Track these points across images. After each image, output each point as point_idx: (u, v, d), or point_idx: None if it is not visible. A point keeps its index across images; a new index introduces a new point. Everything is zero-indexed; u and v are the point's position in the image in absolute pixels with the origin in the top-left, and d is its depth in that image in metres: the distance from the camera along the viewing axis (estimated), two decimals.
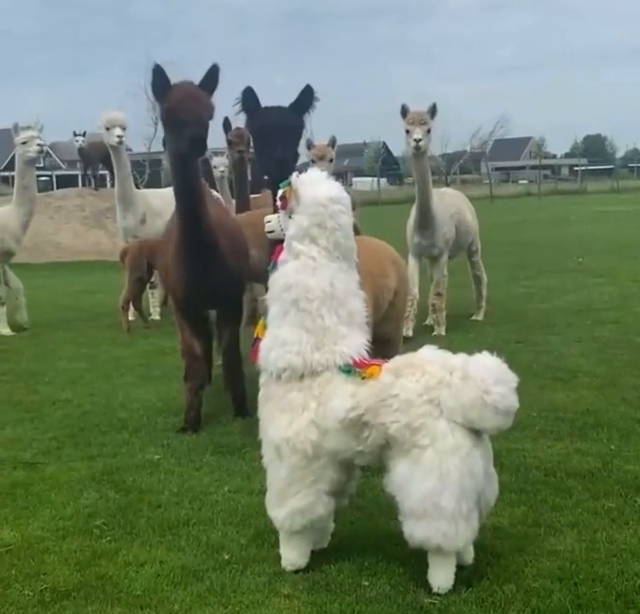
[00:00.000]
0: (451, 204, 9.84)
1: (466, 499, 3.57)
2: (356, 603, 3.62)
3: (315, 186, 3.85)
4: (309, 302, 3.76)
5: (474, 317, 10.51)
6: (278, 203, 3.94)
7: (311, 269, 3.79)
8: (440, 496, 3.53)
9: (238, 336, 6.40)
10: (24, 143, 9.47)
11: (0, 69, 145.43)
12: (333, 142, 7.64)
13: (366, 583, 3.77)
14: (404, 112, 8.62)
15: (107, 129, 9.98)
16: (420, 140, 8.47)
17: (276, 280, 3.88)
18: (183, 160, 5.55)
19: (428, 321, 9.90)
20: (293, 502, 3.79)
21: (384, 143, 79.95)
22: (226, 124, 8.86)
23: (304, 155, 7.73)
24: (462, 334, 9.39)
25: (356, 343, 3.84)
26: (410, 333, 9.15)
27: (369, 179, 64.45)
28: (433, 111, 8.65)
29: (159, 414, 6.44)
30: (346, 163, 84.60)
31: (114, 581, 3.85)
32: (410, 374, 3.67)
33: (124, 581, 3.84)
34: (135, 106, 54.61)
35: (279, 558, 3.93)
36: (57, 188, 46.65)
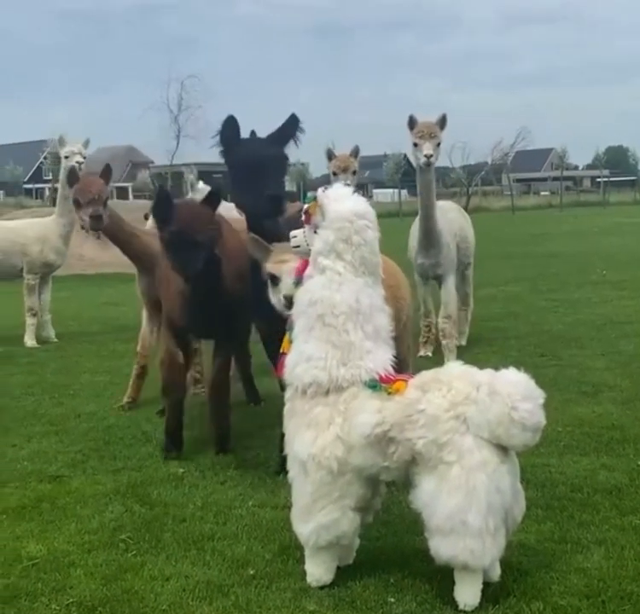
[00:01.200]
0: (454, 219, 9.14)
1: (493, 516, 3.54)
2: None
3: (340, 201, 3.85)
4: (334, 317, 3.76)
5: (457, 343, 9.05)
6: (303, 218, 3.95)
7: (337, 284, 3.79)
8: (467, 513, 3.51)
9: (229, 365, 6.14)
10: (66, 157, 9.60)
11: (25, 83, 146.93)
12: (356, 152, 7.42)
13: (392, 600, 3.75)
14: (412, 123, 7.93)
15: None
16: (431, 156, 7.81)
17: (302, 295, 3.88)
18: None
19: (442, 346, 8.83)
20: (319, 518, 3.78)
21: (405, 155, 79.96)
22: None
23: (325, 167, 7.70)
24: (484, 348, 9.36)
25: (381, 358, 3.84)
26: (430, 354, 9.02)
27: (390, 191, 64.51)
28: (442, 122, 7.97)
29: (182, 427, 6.44)
30: (366, 175, 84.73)
31: (140, 595, 3.85)
32: (436, 390, 3.66)
33: (150, 595, 3.85)
34: (158, 119, 55.00)
35: (304, 573, 3.92)
36: None
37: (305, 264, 3.94)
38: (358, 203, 3.89)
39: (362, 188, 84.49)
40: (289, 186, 45.86)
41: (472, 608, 3.63)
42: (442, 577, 3.78)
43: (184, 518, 4.69)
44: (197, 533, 4.49)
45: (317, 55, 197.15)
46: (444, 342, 8.57)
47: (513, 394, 3.56)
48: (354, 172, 7.30)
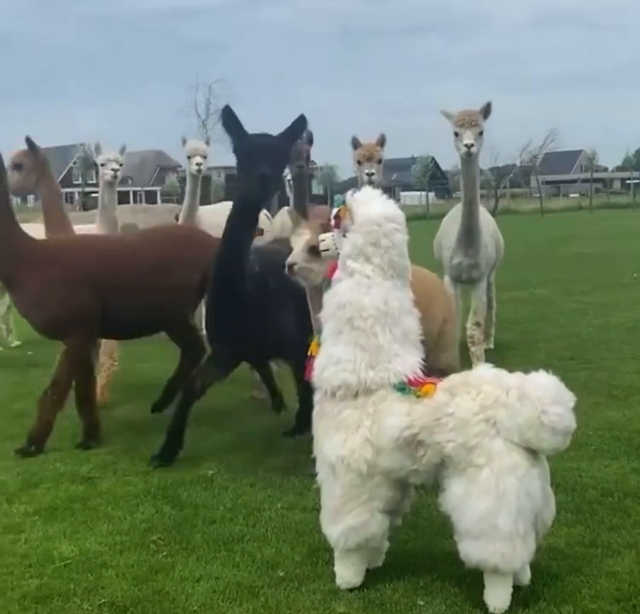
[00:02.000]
0: (489, 220, 8.69)
1: (523, 519, 3.54)
2: None
3: (369, 204, 3.87)
4: (363, 320, 3.78)
5: (485, 346, 8.79)
6: (332, 222, 3.97)
7: (366, 287, 3.81)
8: (497, 516, 3.51)
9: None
10: (103, 165, 9.66)
11: (55, 88, 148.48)
12: (382, 141, 7.24)
13: (421, 603, 3.76)
14: (449, 115, 7.46)
15: (189, 157, 9.93)
16: (471, 145, 7.32)
17: (331, 298, 3.90)
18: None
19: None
20: (348, 520, 3.80)
21: (433, 158, 79.85)
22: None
23: (352, 171, 7.60)
24: (513, 351, 9.33)
25: (410, 361, 3.85)
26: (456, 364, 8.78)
27: (417, 193, 64.38)
28: (486, 111, 7.43)
29: (213, 430, 6.49)
30: (394, 177, 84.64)
31: (171, 596, 3.89)
32: (465, 393, 3.66)
33: (180, 596, 3.88)
34: (186, 123, 55.31)
35: (334, 575, 3.94)
36: None
37: (335, 267, 3.96)
38: (387, 206, 3.91)
39: (389, 191, 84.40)
40: (317, 189, 45.89)
41: (502, 611, 3.63)
42: (471, 580, 3.78)
43: (214, 520, 4.73)
44: (227, 534, 4.53)
45: (342, 59, 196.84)
46: (472, 349, 8.17)
47: (543, 398, 3.55)
48: (379, 161, 7.08)
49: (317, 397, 3.95)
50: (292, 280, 4.43)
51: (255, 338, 5.50)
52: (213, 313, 5.53)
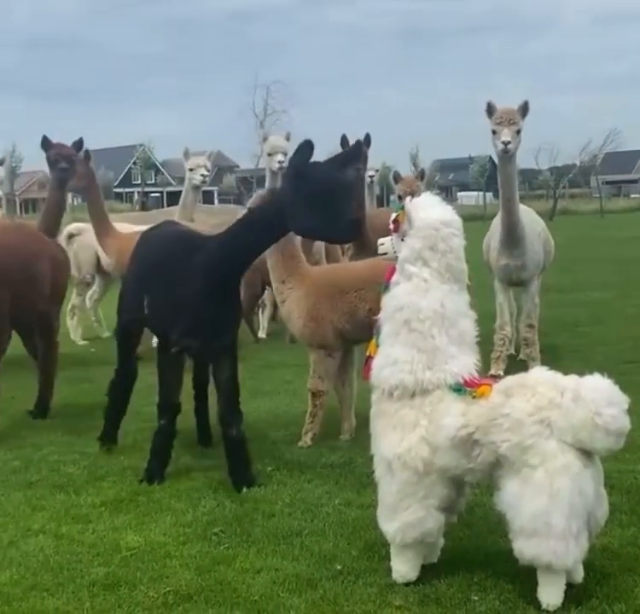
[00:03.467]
0: (536, 220, 8.64)
1: (576, 518, 3.62)
2: None
3: (427, 209, 3.98)
4: (420, 322, 3.89)
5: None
6: (391, 226, 4.09)
7: (423, 290, 3.92)
8: (551, 515, 3.59)
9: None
10: (191, 170, 9.98)
11: (115, 90, 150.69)
12: (422, 174, 7.44)
13: (476, 598, 3.85)
14: (491, 110, 7.48)
15: (270, 155, 9.99)
16: (508, 142, 7.38)
17: (389, 301, 4.02)
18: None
19: (521, 356, 8.66)
20: (404, 516, 3.91)
21: (490, 157, 79.28)
22: (343, 142, 9.01)
23: (409, 171, 7.75)
24: (570, 354, 9.32)
25: (466, 362, 3.95)
26: (502, 373, 8.11)
27: (475, 193, 63.97)
28: (524, 109, 7.49)
29: (270, 427, 6.66)
30: (451, 177, 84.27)
31: (233, 586, 4.04)
32: (520, 394, 3.75)
33: (242, 586, 4.03)
34: (244, 124, 55.73)
35: (389, 570, 4.05)
36: (168, 204, 47.97)
37: (393, 271, 4.07)
38: (445, 211, 4.01)
39: (446, 191, 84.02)
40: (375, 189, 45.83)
41: (555, 608, 3.70)
42: (525, 578, 3.85)
43: (273, 514, 4.87)
44: (286, 528, 4.67)
45: (404, 60, 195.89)
46: (527, 350, 8.26)
47: (597, 399, 3.62)
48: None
49: (374, 397, 4.07)
50: None
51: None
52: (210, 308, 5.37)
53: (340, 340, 6.22)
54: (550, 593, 3.72)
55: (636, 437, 5.71)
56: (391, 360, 3.96)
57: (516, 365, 8.23)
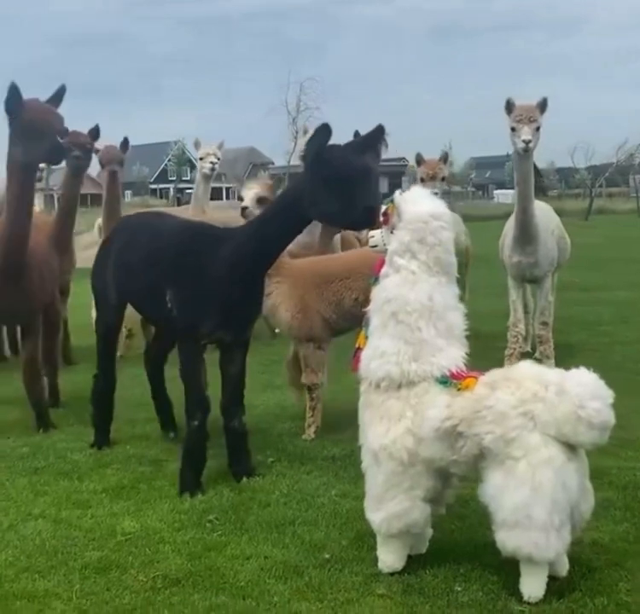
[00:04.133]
0: (551, 217, 8.59)
1: (558, 511, 3.63)
2: (447, 606, 3.75)
3: (417, 203, 4.01)
4: (407, 315, 3.92)
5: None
6: (381, 219, 4.12)
7: (411, 283, 3.95)
8: (532, 507, 3.61)
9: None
10: (201, 159, 9.98)
11: (151, 87, 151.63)
12: (445, 158, 7.29)
13: (459, 589, 3.89)
14: (510, 107, 7.34)
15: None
16: (529, 141, 7.28)
17: (378, 293, 4.06)
18: None
19: (537, 354, 8.41)
20: (390, 507, 3.95)
21: None
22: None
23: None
24: (588, 352, 9.24)
25: (453, 355, 3.97)
26: None
27: (511, 191, 63.43)
28: (542, 106, 7.35)
29: (276, 420, 6.72)
30: (487, 175, 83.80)
31: (221, 572, 4.11)
32: (505, 387, 3.77)
33: (230, 572, 4.10)
34: (277, 121, 55.83)
35: (376, 560, 4.10)
36: None
37: (382, 263, 4.11)
38: (435, 205, 4.04)
39: (483, 189, 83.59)
40: (406, 186, 45.79)
41: (536, 600, 3.73)
42: (510, 570, 3.88)
43: (269, 504, 4.94)
44: (280, 518, 4.73)
45: (439, 56, 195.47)
46: (541, 348, 8.22)
47: (581, 393, 3.64)
48: (443, 178, 7.13)
49: (362, 388, 4.11)
50: None
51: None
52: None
53: (328, 331, 6.28)
54: (532, 585, 3.74)
55: (637, 435, 5.77)
56: (378, 352, 4.00)
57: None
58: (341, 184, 4.69)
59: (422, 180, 7.21)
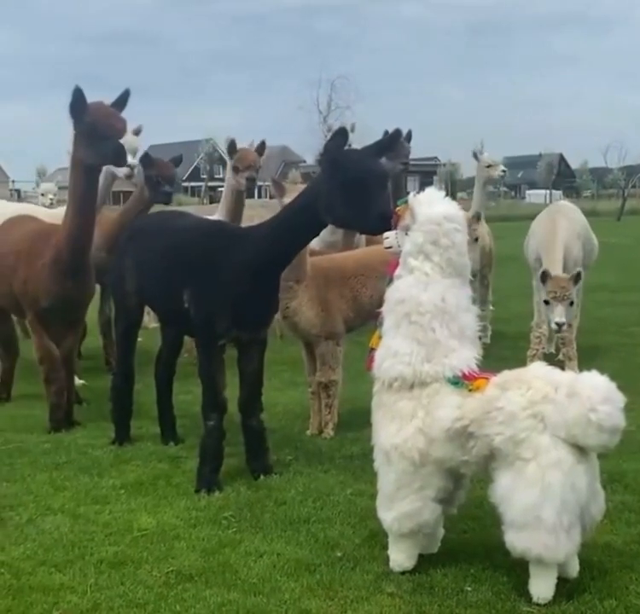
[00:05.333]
0: (576, 219, 8.58)
1: (567, 512, 3.64)
2: (455, 606, 3.78)
3: (430, 205, 4.03)
4: (420, 315, 3.95)
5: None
6: (392, 219, 4.16)
7: (424, 284, 3.97)
8: (542, 508, 3.63)
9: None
10: (237, 170, 10.03)
11: (184, 85, 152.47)
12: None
13: (469, 589, 3.91)
14: (544, 278, 7.25)
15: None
16: (563, 324, 7.13)
17: (391, 293, 4.09)
18: None
19: (560, 356, 8.44)
20: (401, 506, 3.98)
21: (561, 155, 78.18)
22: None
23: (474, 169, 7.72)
24: (611, 352, 9.20)
25: (465, 356, 3.99)
26: None
27: (543, 191, 63.07)
28: (576, 278, 7.26)
29: (297, 418, 6.77)
30: (520, 175, 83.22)
31: (234, 568, 4.16)
32: (515, 388, 3.79)
33: (242, 569, 4.15)
34: (307, 119, 55.87)
35: (388, 558, 4.13)
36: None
37: (396, 264, 4.13)
38: (448, 207, 4.06)
39: (515, 189, 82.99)
40: (438, 186, 45.71)
41: (545, 601, 3.74)
42: (521, 571, 3.89)
43: (285, 501, 4.98)
44: (295, 516, 4.77)
45: (473, 54, 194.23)
46: (563, 350, 8.18)
47: (593, 396, 3.64)
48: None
49: (375, 388, 4.15)
50: None
51: None
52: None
53: (345, 327, 6.41)
54: (541, 587, 3.75)
55: None
56: (391, 352, 4.03)
57: (553, 364, 8.15)
58: (357, 189, 4.71)
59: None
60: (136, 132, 8.37)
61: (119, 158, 6.11)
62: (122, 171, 7.90)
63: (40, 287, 6.50)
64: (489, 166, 10.25)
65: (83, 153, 6.04)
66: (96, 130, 5.88)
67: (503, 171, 10.43)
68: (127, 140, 7.37)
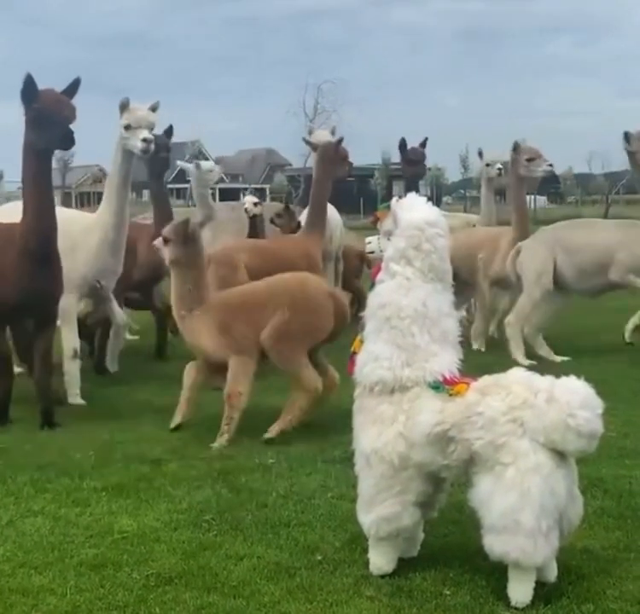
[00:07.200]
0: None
1: (546, 517, 3.67)
2: (434, 610, 3.79)
3: (412, 210, 4.05)
4: (400, 320, 3.97)
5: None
6: (370, 222, 4.20)
7: (405, 289, 3.99)
8: (520, 513, 3.65)
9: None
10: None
11: (176, 87, 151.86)
12: (154, 108, 7.65)
13: (448, 592, 3.92)
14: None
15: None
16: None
17: (373, 298, 4.11)
18: None
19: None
20: (380, 510, 4.00)
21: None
22: (402, 145, 9.79)
23: (460, 173, 7.89)
24: (620, 356, 9.16)
25: (447, 361, 4.02)
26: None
27: (541, 197, 63.22)
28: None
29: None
30: (503, 181, 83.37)
31: (214, 571, 4.16)
32: (495, 393, 3.82)
33: (222, 572, 4.15)
34: (295, 123, 55.92)
35: (368, 562, 4.14)
36: (220, 200, 48.36)
37: (379, 269, 4.16)
38: (430, 212, 4.09)
39: (501, 194, 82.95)
40: (423, 190, 45.83)
41: (523, 605, 3.75)
42: (501, 575, 3.90)
43: (266, 505, 4.99)
44: (275, 519, 4.77)
45: (466, 60, 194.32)
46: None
47: (571, 401, 3.68)
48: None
49: (357, 392, 4.16)
50: None
51: None
52: None
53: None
54: (519, 591, 3.77)
55: (637, 444, 5.78)
56: (372, 356, 4.05)
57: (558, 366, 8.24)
58: None
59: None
60: (154, 108, 7.99)
61: (66, 142, 6.34)
62: (138, 147, 7.51)
63: (9, 284, 6.47)
64: (488, 165, 10.51)
65: (33, 138, 6.30)
66: (45, 116, 6.17)
67: (500, 169, 10.61)
68: (143, 116, 7.57)
